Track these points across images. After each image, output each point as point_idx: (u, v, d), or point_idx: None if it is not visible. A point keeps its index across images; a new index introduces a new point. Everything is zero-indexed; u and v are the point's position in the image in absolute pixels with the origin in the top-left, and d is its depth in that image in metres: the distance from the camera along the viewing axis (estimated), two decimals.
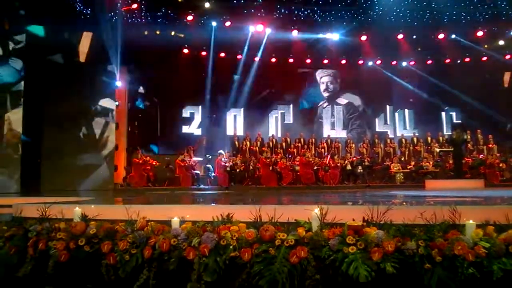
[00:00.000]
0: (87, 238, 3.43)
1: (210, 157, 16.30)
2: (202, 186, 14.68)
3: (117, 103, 14.70)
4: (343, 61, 19.46)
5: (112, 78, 14.38)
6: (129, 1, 14.46)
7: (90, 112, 14.07)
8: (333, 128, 20.13)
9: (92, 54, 13.87)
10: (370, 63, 19.59)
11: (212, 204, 6.15)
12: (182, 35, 16.43)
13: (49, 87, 13.39)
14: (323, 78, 20.31)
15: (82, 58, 13.87)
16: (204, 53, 17.57)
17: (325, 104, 20.34)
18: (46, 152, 13.63)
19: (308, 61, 19.20)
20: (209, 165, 15.87)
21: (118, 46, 13.96)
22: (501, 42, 17.58)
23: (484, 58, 18.54)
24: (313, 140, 18.45)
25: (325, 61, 19.56)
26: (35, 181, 12.98)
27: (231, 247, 3.11)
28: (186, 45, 17.07)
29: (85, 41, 13.92)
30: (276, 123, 19.66)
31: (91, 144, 14.05)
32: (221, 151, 15.77)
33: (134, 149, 15.22)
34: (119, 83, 14.76)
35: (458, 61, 18.98)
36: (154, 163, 14.80)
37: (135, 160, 14.49)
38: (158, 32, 15.87)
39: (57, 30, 13.38)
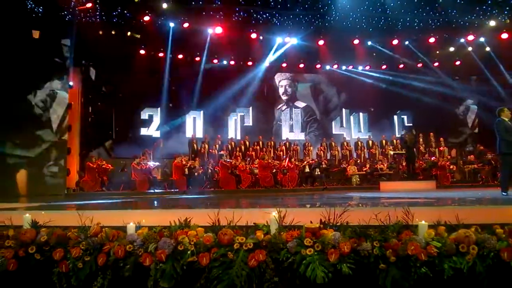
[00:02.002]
0: (38, 246, 3.30)
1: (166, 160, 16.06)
2: (159, 190, 14.38)
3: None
4: (301, 65, 19.73)
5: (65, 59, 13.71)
6: (84, 1, 13.99)
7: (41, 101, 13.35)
8: (291, 131, 20.38)
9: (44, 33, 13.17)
10: (328, 67, 19.97)
11: (170, 209, 6.06)
12: (138, 36, 16.09)
13: None
14: (281, 81, 20.53)
15: (35, 34, 13.14)
16: (161, 54, 17.32)
17: (283, 107, 20.55)
18: None
19: (267, 64, 19.30)
20: (166, 169, 15.62)
21: (71, 46, 13.49)
22: (452, 49, 18.41)
23: (436, 64, 19.36)
24: (272, 143, 18.59)
25: (284, 65, 19.74)
26: None
27: (189, 252, 3.07)
28: (142, 46, 16.75)
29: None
30: (236, 126, 19.67)
31: (42, 140, 13.35)
32: (178, 154, 15.53)
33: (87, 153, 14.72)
34: (71, 83, 14.24)
35: (411, 66, 19.68)
36: (108, 167, 14.41)
37: (89, 164, 14.04)
38: (113, 32, 15.47)
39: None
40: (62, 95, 13.72)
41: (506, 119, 7.87)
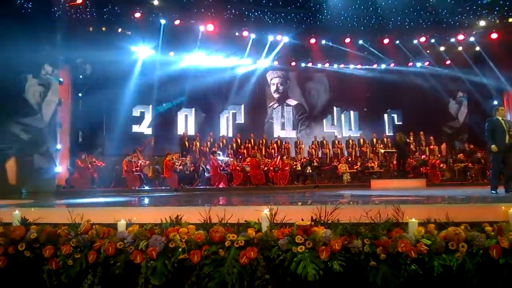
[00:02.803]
0: (28, 243, 3.28)
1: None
2: (150, 188, 14.30)
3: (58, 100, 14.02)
4: (293, 63, 19.75)
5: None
6: None
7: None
8: (283, 129, 20.39)
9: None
10: (319, 65, 20.00)
11: (161, 206, 6.04)
12: (129, 33, 15.96)
13: None
14: (273, 79, 20.53)
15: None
16: (152, 51, 17.17)
17: (275, 105, 20.56)
18: None
19: (259, 62, 19.25)
20: (157, 166, 15.55)
21: (61, 41, 13.35)
22: (442, 48, 18.54)
23: (426, 63, 19.47)
24: (264, 140, 18.59)
25: (275, 63, 19.73)
26: None
27: (180, 249, 3.06)
28: (133, 43, 16.61)
29: None
30: (227, 123, 19.63)
31: (32, 131, 13.12)
32: (169, 151, 15.45)
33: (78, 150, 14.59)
34: (61, 79, 14.09)
35: (402, 65, 19.77)
36: (99, 164, 14.31)
37: (79, 161, 13.93)
38: (103, 29, 15.33)
39: None
40: (55, 83, 13.53)
41: (500, 118, 7.96)
